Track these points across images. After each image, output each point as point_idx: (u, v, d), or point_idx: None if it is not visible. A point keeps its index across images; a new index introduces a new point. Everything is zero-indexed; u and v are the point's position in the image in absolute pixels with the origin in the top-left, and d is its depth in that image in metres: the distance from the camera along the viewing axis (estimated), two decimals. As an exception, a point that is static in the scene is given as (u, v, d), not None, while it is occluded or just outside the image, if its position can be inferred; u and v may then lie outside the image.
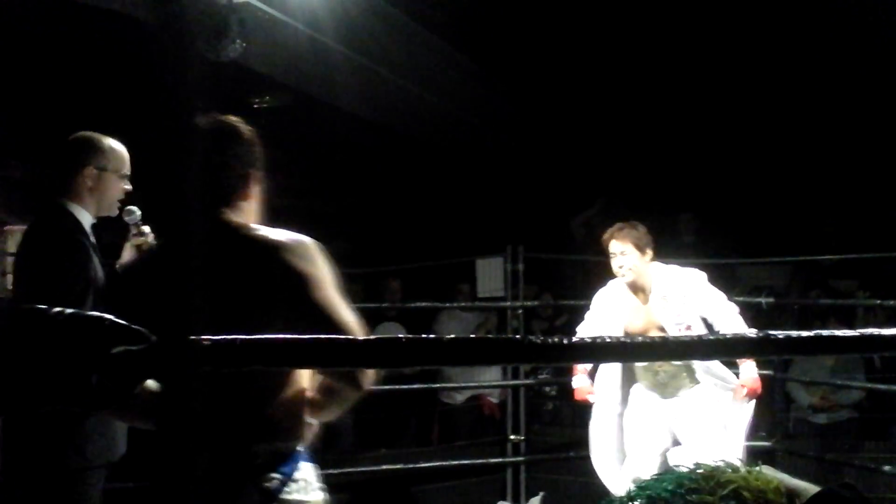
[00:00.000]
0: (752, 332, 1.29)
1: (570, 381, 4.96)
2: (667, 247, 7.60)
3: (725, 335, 1.28)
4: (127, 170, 3.38)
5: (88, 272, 3.15)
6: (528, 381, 7.37)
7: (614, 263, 4.95)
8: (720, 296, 4.89)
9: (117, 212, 3.42)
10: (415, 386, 7.15)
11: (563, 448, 7.00)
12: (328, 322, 2.16)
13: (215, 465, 2.14)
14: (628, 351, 1.23)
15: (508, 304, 6.71)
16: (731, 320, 4.77)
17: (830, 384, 7.15)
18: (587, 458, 5.20)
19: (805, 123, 9.27)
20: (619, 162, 10.01)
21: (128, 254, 3.49)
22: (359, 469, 6.49)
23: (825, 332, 1.24)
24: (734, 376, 4.87)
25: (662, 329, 4.77)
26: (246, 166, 2.40)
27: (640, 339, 1.17)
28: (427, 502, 6.80)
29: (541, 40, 9.23)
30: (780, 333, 1.26)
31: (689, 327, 4.71)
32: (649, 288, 4.90)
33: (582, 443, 5.46)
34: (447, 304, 7.83)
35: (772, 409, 6.43)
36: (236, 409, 2.17)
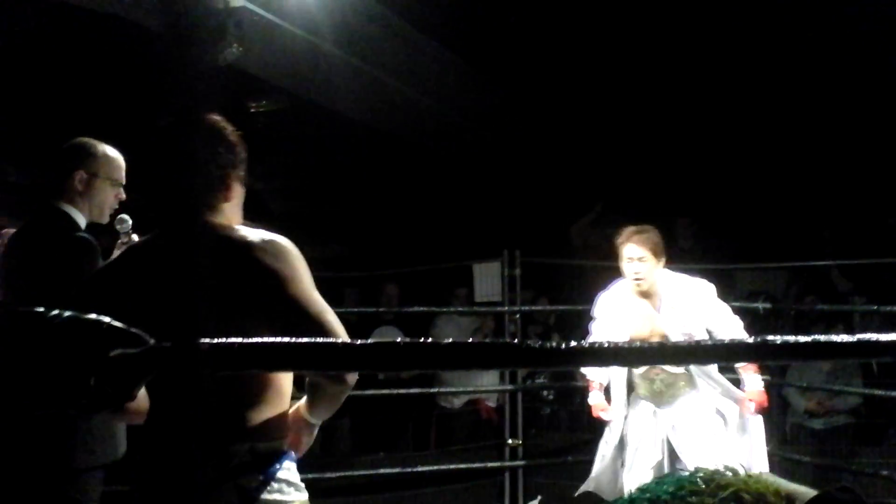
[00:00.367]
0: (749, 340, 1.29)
1: (567, 385, 4.92)
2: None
3: (723, 341, 1.29)
4: (121, 178, 3.38)
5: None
6: (525, 386, 7.36)
7: (628, 268, 4.76)
8: (727, 309, 4.80)
9: (108, 219, 3.42)
10: (412, 390, 7.15)
11: (561, 452, 7.00)
12: (305, 318, 2.17)
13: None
14: (625, 356, 1.23)
15: (506, 308, 6.70)
16: (735, 335, 4.61)
17: (827, 389, 7.15)
18: (585, 462, 5.19)
19: (802, 129, 9.28)
20: (616, 167, 10.02)
21: None
22: (356, 473, 6.49)
23: (822, 338, 1.24)
24: (733, 386, 4.81)
25: (666, 338, 4.68)
26: (227, 167, 2.39)
27: (637, 343, 1.18)
28: (424, 507, 6.80)
29: (539, 45, 9.24)
30: (777, 339, 1.27)
31: (692, 338, 4.62)
32: (658, 295, 4.77)
33: (579, 447, 5.46)
34: (444, 309, 7.82)
35: (769, 414, 6.43)
36: (216, 409, 2.15)
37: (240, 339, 1.12)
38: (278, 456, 2.24)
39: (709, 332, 4.66)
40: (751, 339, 1.23)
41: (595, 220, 10.09)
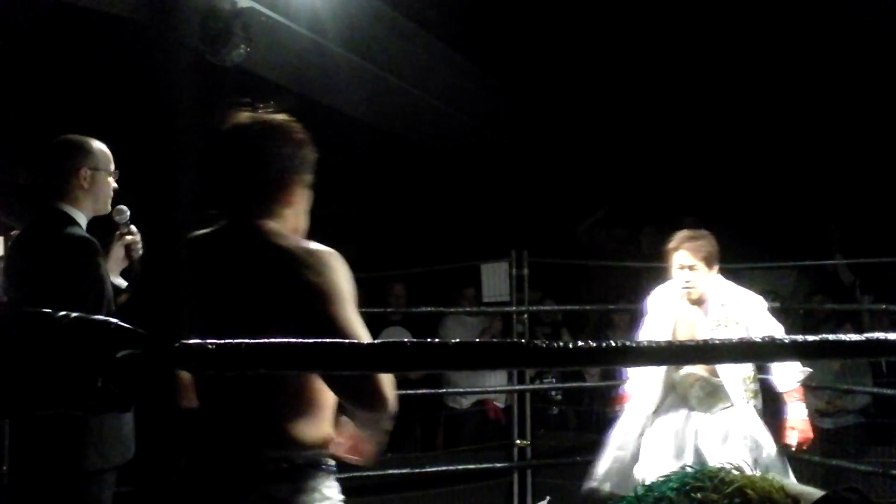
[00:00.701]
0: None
1: (575, 385, 4.84)
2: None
3: (731, 340, 1.28)
4: (114, 167, 3.41)
5: (102, 273, 3.18)
6: (533, 386, 7.35)
7: (679, 276, 4.59)
8: (777, 327, 4.62)
9: (109, 209, 3.45)
10: (420, 391, 7.15)
11: (569, 452, 6.98)
12: (337, 338, 2.04)
13: (222, 469, 2.11)
14: (633, 355, 1.23)
15: (514, 308, 6.70)
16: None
17: (837, 389, 7.13)
18: (593, 463, 5.15)
19: (810, 128, 9.26)
20: (623, 167, 10.01)
21: (115, 253, 3.50)
22: (364, 473, 6.48)
23: (831, 337, 1.24)
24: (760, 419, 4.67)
25: None
26: (288, 170, 2.29)
27: (645, 343, 1.17)
28: (432, 507, 6.79)
29: (546, 46, 9.24)
30: (786, 338, 1.26)
31: None
32: (707, 303, 4.62)
33: (588, 447, 5.43)
34: (452, 309, 7.82)
35: (777, 414, 6.42)
36: (249, 415, 2.12)
37: (246, 340, 1.12)
38: (313, 467, 2.17)
39: None
40: (759, 339, 1.23)
41: (602, 220, 10.08)
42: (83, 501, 3.17)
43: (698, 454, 4.62)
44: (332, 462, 2.24)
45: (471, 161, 10.13)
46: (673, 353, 1.29)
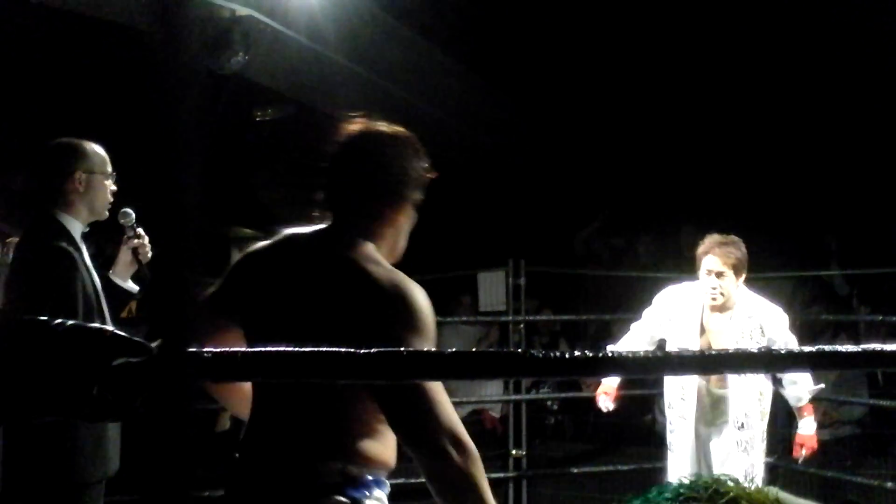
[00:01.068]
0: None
1: (571, 394, 4.79)
2: (668, 261, 7.63)
3: (728, 351, 1.28)
4: (111, 169, 3.32)
5: (75, 285, 3.11)
6: (529, 396, 7.34)
7: (706, 282, 4.50)
8: (795, 344, 4.53)
9: (108, 214, 3.38)
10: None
11: (565, 463, 6.97)
12: (401, 388, 1.90)
13: (277, 480, 2.08)
14: (629, 366, 1.22)
15: (510, 318, 6.69)
16: (799, 375, 4.38)
17: (833, 400, 7.13)
18: (589, 473, 5.15)
19: (808, 138, 9.27)
20: (621, 177, 10.02)
21: (123, 257, 3.44)
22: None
23: (827, 348, 1.24)
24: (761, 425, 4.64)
25: None
26: (404, 185, 2.17)
27: (641, 353, 1.17)
28: (428, 517, 6.76)
29: (545, 56, 9.25)
30: (782, 349, 1.26)
31: None
32: (734, 312, 4.54)
33: (584, 457, 5.43)
34: (449, 318, 7.82)
35: (773, 424, 6.41)
36: (310, 426, 2.07)
37: (242, 349, 1.12)
38: (368, 483, 2.08)
39: None
40: (756, 350, 1.23)
41: (599, 229, 10.09)
42: None
43: (702, 466, 4.60)
44: (385, 479, 2.15)
45: (468, 170, 10.14)
46: (670, 364, 1.29)
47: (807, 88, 8.98)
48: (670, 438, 4.81)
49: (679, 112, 9.49)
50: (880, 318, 6.83)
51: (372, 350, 1.12)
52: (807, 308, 8.05)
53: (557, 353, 1.17)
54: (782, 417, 6.72)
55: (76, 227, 3.23)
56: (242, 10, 6.58)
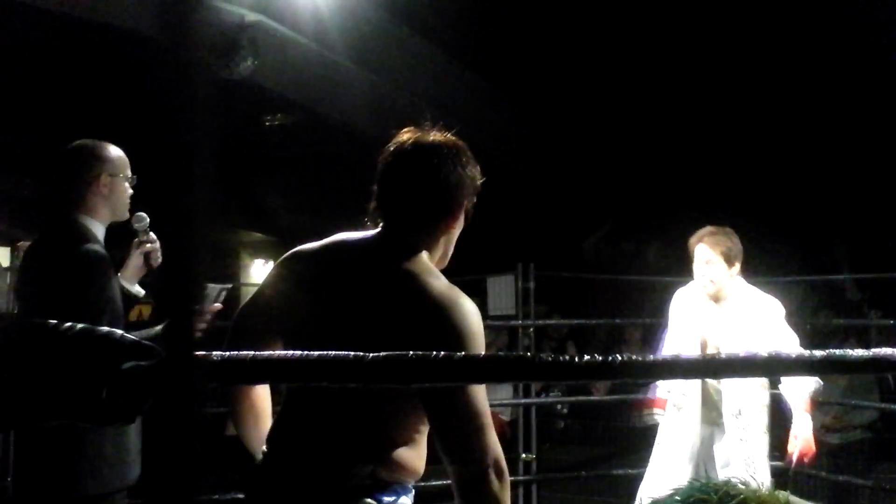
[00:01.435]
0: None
1: (581, 399, 4.79)
2: (677, 266, 7.61)
3: (737, 356, 1.28)
4: (130, 172, 3.26)
5: (115, 290, 3.08)
6: (539, 400, 7.33)
7: (697, 270, 4.56)
8: (792, 335, 4.53)
9: (127, 216, 3.34)
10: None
11: (574, 467, 6.96)
12: (452, 410, 1.93)
13: (307, 481, 2.08)
14: (639, 370, 1.22)
15: (519, 322, 6.68)
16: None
17: (844, 404, 7.11)
18: (598, 478, 5.13)
19: (817, 144, 9.25)
20: (630, 182, 10.01)
21: (134, 261, 3.41)
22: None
23: (837, 352, 1.23)
24: (762, 426, 4.61)
25: (718, 349, 4.51)
26: (460, 195, 2.18)
27: (651, 358, 1.17)
28: (437, 521, 6.76)
29: (555, 62, 9.25)
30: (793, 353, 1.26)
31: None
32: (725, 303, 4.56)
33: (593, 461, 5.42)
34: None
35: (784, 429, 6.40)
36: (343, 430, 2.07)
37: (252, 353, 1.12)
38: (397, 489, 2.09)
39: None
40: (765, 354, 1.22)
41: (608, 234, 10.08)
42: None
43: (701, 469, 4.59)
44: (411, 486, 2.17)
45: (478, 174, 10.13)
46: (680, 368, 1.28)
47: (816, 96, 8.97)
48: (666, 436, 4.77)
49: (689, 118, 9.49)
50: (891, 322, 6.80)
51: (381, 355, 1.12)
52: (816, 313, 8.04)
53: (566, 357, 1.16)
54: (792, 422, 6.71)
55: (100, 231, 3.17)
56: (251, 16, 6.60)
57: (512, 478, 6.55)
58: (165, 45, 0.77)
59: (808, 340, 7.32)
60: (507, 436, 7.72)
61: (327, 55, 7.59)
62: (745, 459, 4.52)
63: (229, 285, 3.46)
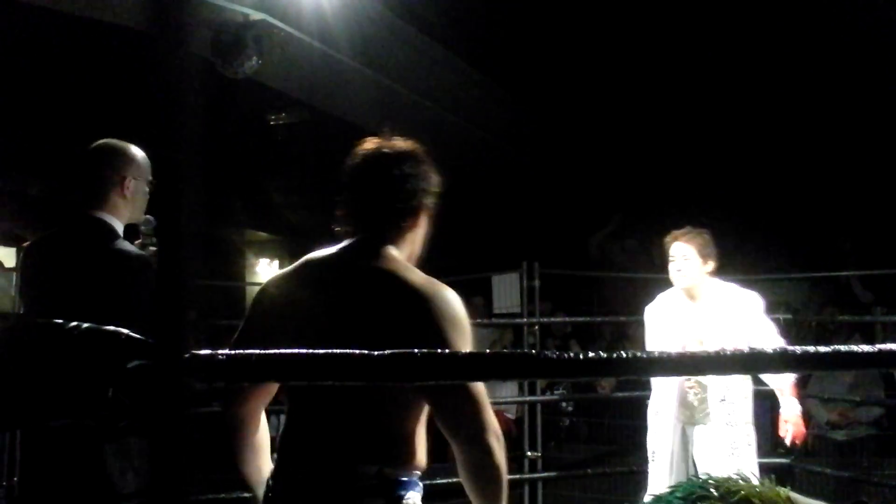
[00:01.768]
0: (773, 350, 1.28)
1: (586, 397, 4.77)
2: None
3: (743, 350, 1.27)
4: (151, 176, 3.20)
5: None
6: (544, 398, 7.33)
7: (672, 267, 4.71)
8: (771, 327, 4.62)
9: (143, 218, 3.30)
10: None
11: (580, 465, 6.96)
12: (453, 391, 2.01)
13: (316, 483, 2.10)
14: (643, 366, 1.22)
15: (525, 320, 6.68)
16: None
17: (849, 401, 7.10)
18: (603, 475, 5.13)
19: (823, 140, 9.24)
20: (635, 180, 10.01)
21: None
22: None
23: (843, 348, 1.23)
24: (748, 413, 4.65)
25: (703, 345, 4.55)
26: (420, 196, 2.30)
27: (655, 354, 1.16)
28: (443, 519, 6.76)
29: (559, 61, 9.25)
30: (798, 349, 1.25)
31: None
32: (703, 300, 4.67)
33: (598, 459, 5.42)
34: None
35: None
36: (347, 430, 2.10)
37: (258, 352, 1.12)
38: (405, 484, 2.13)
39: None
40: (771, 350, 1.22)
41: (613, 232, 10.07)
42: None
43: (694, 464, 4.65)
44: (418, 480, 2.20)
45: (483, 173, 10.14)
46: (683, 364, 1.28)
47: (821, 93, 8.95)
48: (654, 442, 4.81)
49: (694, 116, 9.48)
50: (896, 318, 6.80)
51: (386, 352, 1.12)
52: (822, 309, 8.03)
53: (571, 354, 1.16)
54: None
55: (120, 231, 3.12)
56: (255, 15, 6.60)
57: (517, 476, 6.62)
58: (154, 40, 0.77)
59: (814, 337, 7.34)
60: (513, 434, 7.72)
61: (331, 53, 7.59)
62: (730, 444, 4.57)
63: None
